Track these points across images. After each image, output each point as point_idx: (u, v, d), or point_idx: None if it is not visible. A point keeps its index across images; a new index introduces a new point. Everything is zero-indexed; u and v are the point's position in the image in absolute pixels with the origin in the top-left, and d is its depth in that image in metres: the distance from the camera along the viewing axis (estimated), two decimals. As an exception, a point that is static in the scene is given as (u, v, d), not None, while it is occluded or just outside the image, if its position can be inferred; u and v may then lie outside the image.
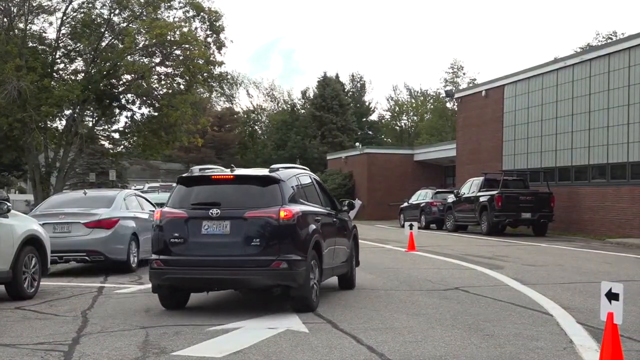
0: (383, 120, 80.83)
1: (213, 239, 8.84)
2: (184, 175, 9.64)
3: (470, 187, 30.59)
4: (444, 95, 60.32)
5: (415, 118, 78.54)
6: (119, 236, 14.26)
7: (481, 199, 28.89)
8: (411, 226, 20.06)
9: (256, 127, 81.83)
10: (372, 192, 48.47)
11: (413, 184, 45.64)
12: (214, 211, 8.88)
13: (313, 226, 9.39)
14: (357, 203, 48.35)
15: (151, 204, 16.97)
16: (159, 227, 9.11)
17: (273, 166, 9.76)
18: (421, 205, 35.06)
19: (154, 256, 9.12)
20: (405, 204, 37.23)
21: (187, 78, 35.70)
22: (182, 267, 8.91)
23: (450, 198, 31.97)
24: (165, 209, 9.27)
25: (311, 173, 10.95)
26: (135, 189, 23.86)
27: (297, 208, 9.15)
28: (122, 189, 22.23)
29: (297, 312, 9.00)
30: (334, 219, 10.79)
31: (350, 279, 11.53)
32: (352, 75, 79.99)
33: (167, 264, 8.96)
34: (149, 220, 16.01)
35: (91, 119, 38.57)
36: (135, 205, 15.87)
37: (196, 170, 9.73)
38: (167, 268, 8.95)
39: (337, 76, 73.40)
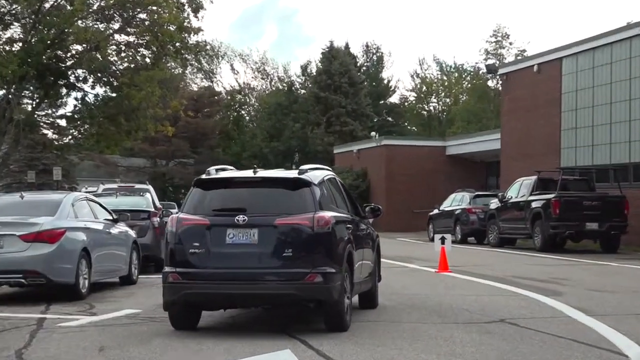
0: (406, 103, 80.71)
1: (239, 249, 10.04)
2: (201, 177, 10.84)
3: (519, 190, 30.56)
4: (485, 71, 60.12)
5: (447, 100, 78.48)
6: (65, 253, 14.23)
7: (533, 205, 28.85)
8: (443, 240, 20.13)
9: (243, 112, 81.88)
10: (392, 196, 48.47)
11: (445, 185, 45.68)
12: (241, 218, 10.04)
13: (346, 235, 10.66)
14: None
15: (107, 211, 16.98)
16: (175, 235, 10.22)
17: (302, 167, 10.99)
18: (456, 212, 35.12)
19: (168, 269, 10.24)
20: (436, 211, 37.38)
21: (155, 49, 35.67)
22: (204, 281, 10.04)
23: (494, 203, 31.97)
24: (182, 215, 10.41)
25: (335, 175, 12.07)
26: (86, 192, 23.79)
27: (330, 214, 10.37)
28: (69, 191, 22.24)
29: (329, 331, 10.19)
30: (361, 227, 12.11)
31: (374, 295, 12.82)
32: (367, 46, 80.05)
33: (186, 277, 10.06)
34: (104, 231, 16.06)
35: (31, 102, 38.58)
36: (87, 212, 15.90)
37: (213, 171, 10.97)
38: (186, 282, 10.06)
39: (347, 46, 73.36)
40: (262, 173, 10.83)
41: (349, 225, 10.99)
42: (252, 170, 10.85)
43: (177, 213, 10.76)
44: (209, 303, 10.44)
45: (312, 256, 9.93)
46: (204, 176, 10.82)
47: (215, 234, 10.05)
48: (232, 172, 11.20)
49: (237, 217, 10.00)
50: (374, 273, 12.69)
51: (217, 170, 11.10)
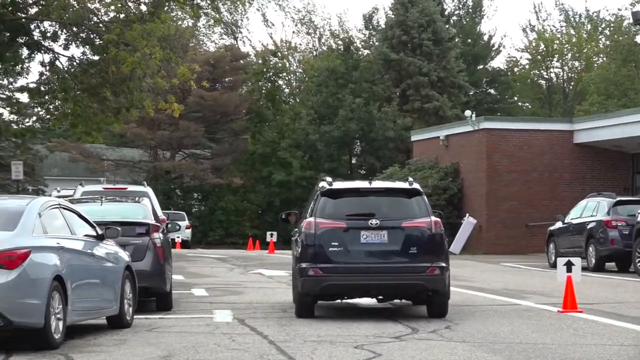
0: (516, 69, 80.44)
1: (372, 247, 17.61)
2: (328, 187, 18.05)
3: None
4: (632, 21, 59.70)
5: (576, 64, 78.01)
6: (30, 283, 14.31)
7: None
8: (570, 266, 20.09)
9: (280, 83, 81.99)
10: (495, 203, 48.62)
11: (573, 186, 45.68)
12: (374, 221, 17.49)
13: (445, 236, 18.04)
14: (470, 222, 47.75)
15: (89, 224, 17.01)
16: (314, 237, 17.46)
17: (410, 178, 18.51)
18: (589, 226, 35.12)
19: (306, 265, 17.46)
20: (559, 225, 37.49)
21: (153, -8, 35.86)
22: (343, 274, 17.45)
23: (644, 214, 31.72)
24: (318, 219, 17.64)
25: None
26: (59, 196, 23.88)
27: (438, 218, 17.85)
28: (35, 195, 22.36)
29: (431, 317, 17.69)
30: None
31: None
32: (458, -14, 79.99)
33: (326, 271, 17.31)
34: (85, 253, 16.09)
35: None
36: (60, 225, 15.99)
37: (331, 181, 18.22)
38: (326, 275, 17.30)
39: (429, -13, 73.33)
40: (380, 184, 19.71)
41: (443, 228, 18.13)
42: (367, 181, 19.46)
43: (310, 217, 17.80)
44: (346, 293, 18.06)
45: (431, 253, 17.42)
46: (326, 186, 18.01)
47: (352, 235, 17.49)
48: (353, 183, 19.90)
49: (370, 221, 17.45)
50: None
51: (329, 182, 18.15)
